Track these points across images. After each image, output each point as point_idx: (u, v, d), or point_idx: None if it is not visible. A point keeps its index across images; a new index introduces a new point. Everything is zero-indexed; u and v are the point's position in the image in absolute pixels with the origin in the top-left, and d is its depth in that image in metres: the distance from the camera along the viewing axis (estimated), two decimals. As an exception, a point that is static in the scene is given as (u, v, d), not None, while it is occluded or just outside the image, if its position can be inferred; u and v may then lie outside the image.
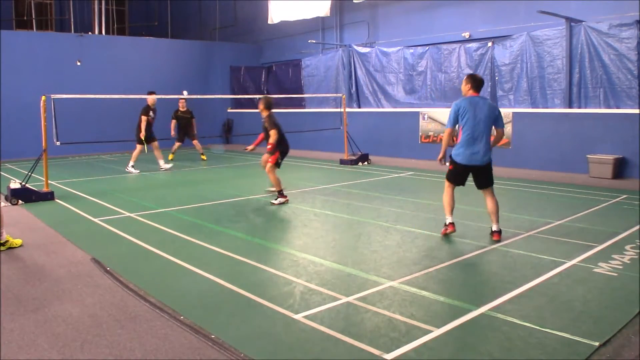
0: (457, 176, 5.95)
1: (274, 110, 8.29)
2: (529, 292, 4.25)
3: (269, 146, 8.07)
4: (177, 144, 14.48)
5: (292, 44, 19.69)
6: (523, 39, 12.44)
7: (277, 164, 8.16)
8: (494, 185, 5.98)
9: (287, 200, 8.16)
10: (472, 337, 3.44)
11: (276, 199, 8.13)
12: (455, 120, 5.77)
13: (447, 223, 6.03)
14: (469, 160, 5.75)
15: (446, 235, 6.02)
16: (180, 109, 14.39)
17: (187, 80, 19.34)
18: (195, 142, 14.43)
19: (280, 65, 20.08)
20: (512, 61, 12.72)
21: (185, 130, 14.30)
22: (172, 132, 14.18)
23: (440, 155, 6.06)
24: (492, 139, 5.81)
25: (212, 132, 19.30)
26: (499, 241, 5.77)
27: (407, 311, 3.85)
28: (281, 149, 8.21)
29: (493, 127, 5.77)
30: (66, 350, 3.32)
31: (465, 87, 5.87)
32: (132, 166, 12.30)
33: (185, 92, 14.81)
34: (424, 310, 3.88)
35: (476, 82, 5.81)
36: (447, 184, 6.03)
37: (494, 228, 5.85)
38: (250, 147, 8.60)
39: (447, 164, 6.05)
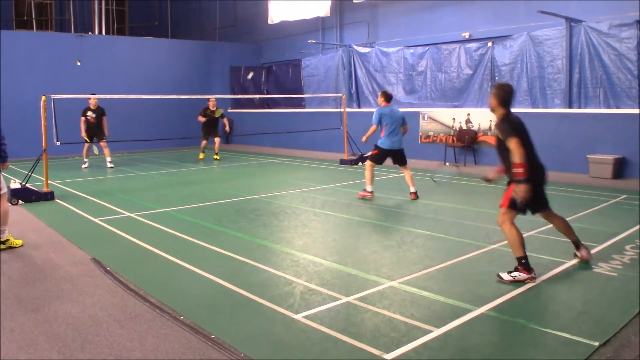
0: (380, 158, 8.48)
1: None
2: (529, 292, 4.25)
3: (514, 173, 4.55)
4: (203, 142, 14.80)
5: (292, 44, 19.69)
6: (523, 39, 12.44)
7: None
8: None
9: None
10: (472, 337, 3.44)
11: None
12: (379, 120, 8.37)
13: (369, 191, 8.42)
14: (391, 146, 8.37)
15: (364, 198, 8.37)
16: (211, 107, 14.63)
17: (187, 80, 19.35)
18: (217, 139, 14.70)
19: (280, 65, 20.07)
20: (512, 61, 12.72)
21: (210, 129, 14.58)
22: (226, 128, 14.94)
23: (364, 139, 8.87)
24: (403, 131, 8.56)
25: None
26: (416, 199, 8.32)
27: (407, 311, 3.85)
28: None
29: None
30: (66, 350, 3.32)
31: (381, 100, 8.54)
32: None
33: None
34: (424, 310, 3.88)
35: (387, 96, 8.58)
36: (370, 163, 8.47)
37: (412, 190, 8.43)
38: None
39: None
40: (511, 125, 4.57)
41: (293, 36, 19.41)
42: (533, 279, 4.50)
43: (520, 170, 4.39)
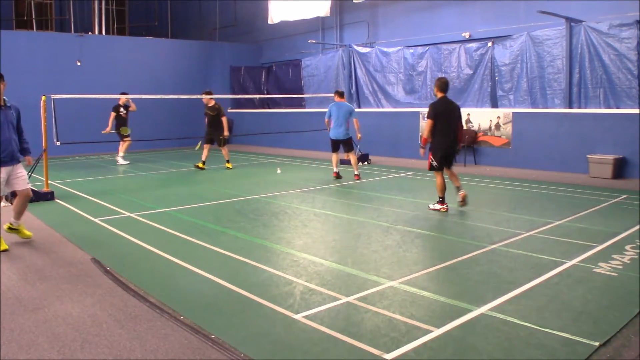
0: (332, 146, 10.74)
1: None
2: (529, 292, 4.25)
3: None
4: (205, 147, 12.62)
5: (292, 44, 19.69)
6: (523, 39, 12.44)
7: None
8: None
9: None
10: (472, 337, 3.44)
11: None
12: (329, 115, 10.57)
13: (336, 171, 10.76)
14: (336, 136, 10.58)
15: (337, 178, 10.68)
16: (205, 102, 12.44)
17: (187, 80, 19.35)
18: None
19: (280, 65, 20.08)
20: (512, 61, 12.72)
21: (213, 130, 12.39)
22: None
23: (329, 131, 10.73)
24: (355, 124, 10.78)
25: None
26: (359, 179, 10.53)
27: (407, 311, 3.85)
28: None
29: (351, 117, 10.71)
30: (66, 350, 3.32)
31: (336, 97, 10.75)
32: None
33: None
34: (424, 310, 3.88)
35: (339, 93, 10.80)
36: (332, 153, 10.80)
37: (356, 172, 10.76)
38: None
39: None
40: (431, 109, 7.16)
41: (293, 36, 19.41)
42: (446, 209, 7.26)
43: (422, 140, 7.60)
